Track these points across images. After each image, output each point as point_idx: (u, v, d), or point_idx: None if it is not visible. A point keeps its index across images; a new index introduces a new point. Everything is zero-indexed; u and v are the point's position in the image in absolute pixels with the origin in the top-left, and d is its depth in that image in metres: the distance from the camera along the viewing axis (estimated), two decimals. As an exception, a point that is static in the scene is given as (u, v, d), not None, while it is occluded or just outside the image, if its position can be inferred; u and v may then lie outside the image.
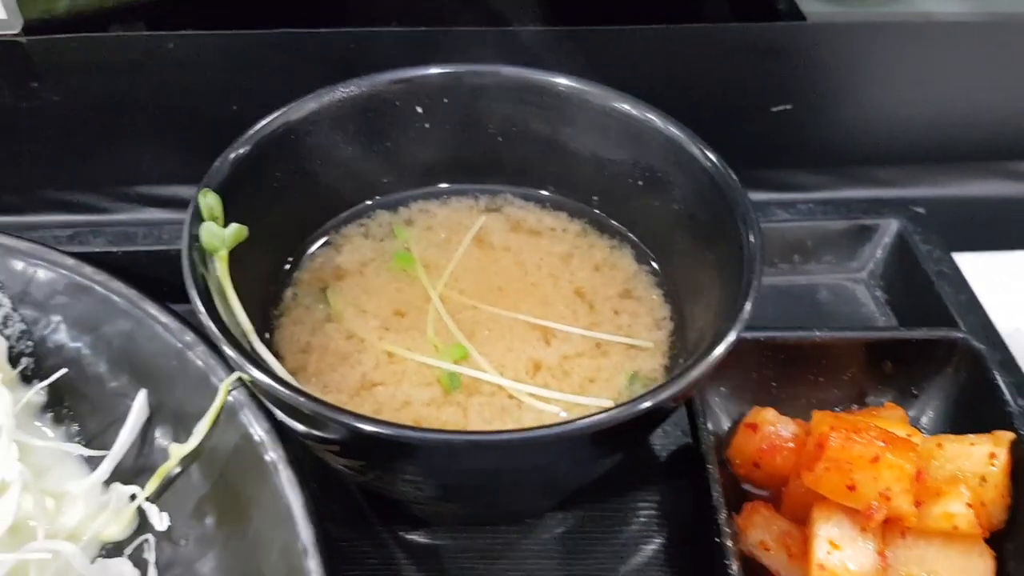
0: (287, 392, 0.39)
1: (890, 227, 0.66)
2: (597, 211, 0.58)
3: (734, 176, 0.49)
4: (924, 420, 0.56)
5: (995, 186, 0.80)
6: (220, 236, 0.45)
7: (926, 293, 0.62)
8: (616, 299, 0.53)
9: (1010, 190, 0.79)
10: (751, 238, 0.46)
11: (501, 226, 0.57)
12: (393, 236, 0.56)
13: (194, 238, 0.45)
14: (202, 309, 0.42)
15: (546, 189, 0.58)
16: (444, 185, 0.59)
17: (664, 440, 0.57)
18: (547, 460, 0.42)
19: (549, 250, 0.56)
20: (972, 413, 0.53)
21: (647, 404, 0.39)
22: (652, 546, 0.52)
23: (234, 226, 0.45)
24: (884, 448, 0.46)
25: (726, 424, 0.55)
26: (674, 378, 0.40)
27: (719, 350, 0.42)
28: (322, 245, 0.55)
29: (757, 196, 0.59)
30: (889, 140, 0.85)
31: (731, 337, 0.42)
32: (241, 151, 0.49)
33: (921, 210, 0.67)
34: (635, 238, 0.56)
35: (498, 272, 0.54)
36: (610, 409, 0.39)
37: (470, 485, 0.45)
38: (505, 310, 0.52)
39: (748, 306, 0.43)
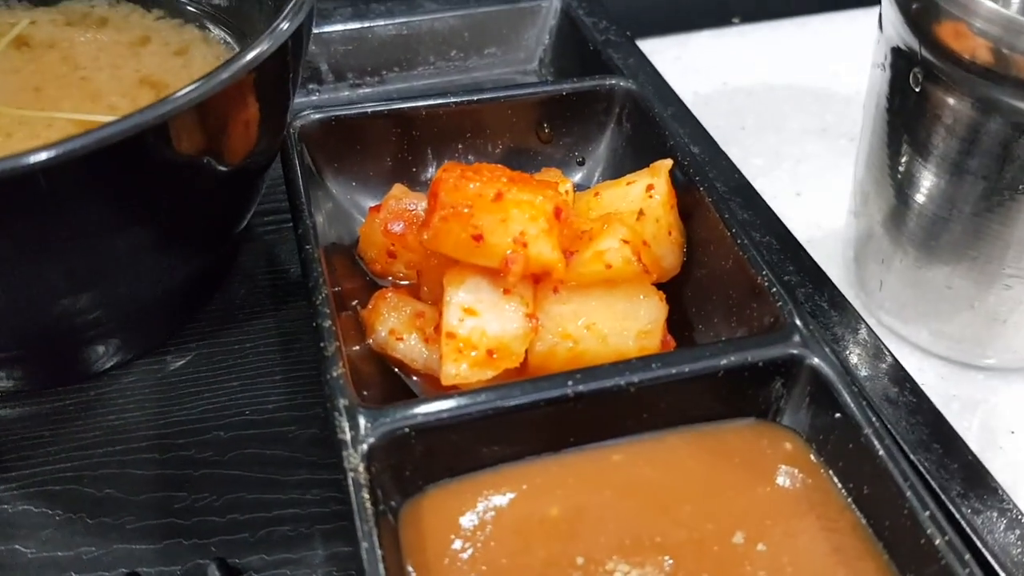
0: None
1: (552, 6, 0.59)
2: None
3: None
4: (594, 185, 0.48)
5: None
6: None
7: (597, 65, 0.55)
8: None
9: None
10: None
11: (53, 20, 0.46)
12: None
13: None
14: None
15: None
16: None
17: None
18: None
19: (115, 39, 0.45)
20: (639, 165, 0.46)
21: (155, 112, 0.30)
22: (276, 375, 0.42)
23: None
24: (508, 183, 0.37)
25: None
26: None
27: (245, 59, 0.32)
28: None
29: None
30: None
31: (256, 50, 0.33)
32: None
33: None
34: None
35: (36, 72, 0.43)
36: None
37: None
38: (39, 111, 0.40)
39: (285, 24, 0.34)
